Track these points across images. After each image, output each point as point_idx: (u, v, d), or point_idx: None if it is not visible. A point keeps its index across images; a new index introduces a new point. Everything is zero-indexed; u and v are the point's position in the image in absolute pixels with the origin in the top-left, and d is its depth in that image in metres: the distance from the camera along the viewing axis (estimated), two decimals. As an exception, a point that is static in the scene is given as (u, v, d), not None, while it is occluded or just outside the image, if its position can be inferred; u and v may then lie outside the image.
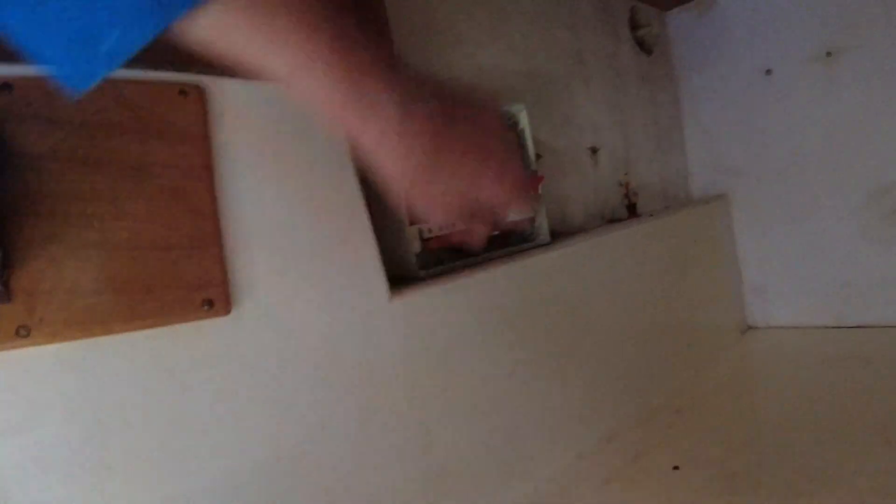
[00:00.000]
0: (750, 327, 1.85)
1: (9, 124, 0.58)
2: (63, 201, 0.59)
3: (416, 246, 0.93)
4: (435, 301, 0.91)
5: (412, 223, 0.93)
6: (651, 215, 1.51)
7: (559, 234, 1.25)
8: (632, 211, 1.53)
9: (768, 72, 1.73)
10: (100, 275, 0.60)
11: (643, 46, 1.78)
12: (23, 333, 0.56)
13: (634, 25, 1.76)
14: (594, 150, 1.49)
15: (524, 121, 1.14)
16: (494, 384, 0.98)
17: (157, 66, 0.67)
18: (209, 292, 0.65)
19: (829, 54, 1.62)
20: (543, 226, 1.14)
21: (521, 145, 1.14)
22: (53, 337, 0.58)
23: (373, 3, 0.96)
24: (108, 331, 0.60)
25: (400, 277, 0.91)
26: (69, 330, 0.58)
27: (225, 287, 0.67)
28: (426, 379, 0.88)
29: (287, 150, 0.78)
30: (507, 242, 1.11)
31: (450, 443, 0.90)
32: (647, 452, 1.12)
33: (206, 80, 0.70)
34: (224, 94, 0.72)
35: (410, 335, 0.87)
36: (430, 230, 0.95)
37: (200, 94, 0.69)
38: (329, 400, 0.77)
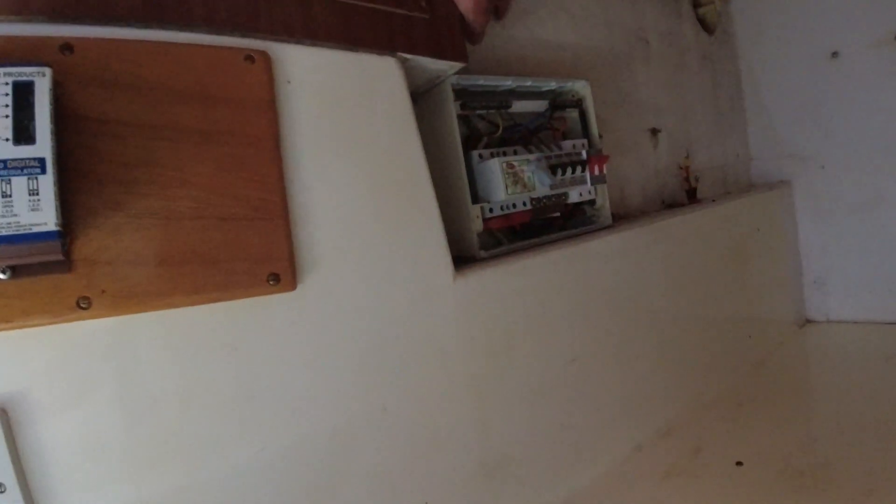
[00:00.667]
0: (808, 321, 1.77)
1: (70, 87, 0.55)
2: (126, 168, 0.57)
3: (477, 225, 0.90)
4: (496, 282, 0.87)
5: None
6: (713, 200, 1.45)
7: (618, 216, 1.20)
8: (692, 196, 1.47)
9: (834, 54, 1.64)
10: (162, 246, 0.58)
11: (705, 25, 1.70)
12: (83, 305, 0.54)
13: (696, 3, 1.68)
14: (655, 132, 1.44)
15: (588, 96, 1.09)
16: (553, 370, 0.94)
17: (222, 30, 0.64)
18: (275, 266, 0.62)
19: (898, 37, 1.53)
20: (605, 207, 1.10)
21: (585, 121, 1.09)
22: (114, 310, 0.55)
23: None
24: (170, 304, 0.58)
25: (458, 258, 0.88)
26: (131, 303, 0.56)
27: (291, 261, 0.64)
28: (485, 362, 0.85)
29: (353, 121, 0.74)
30: (569, 224, 1.07)
31: (507, 430, 0.87)
32: (707, 446, 1.07)
33: (272, 46, 0.67)
34: (290, 60, 0.69)
35: (471, 317, 0.83)
36: (491, 210, 0.92)
37: (266, 60, 0.66)
38: (389, 379, 0.75)
